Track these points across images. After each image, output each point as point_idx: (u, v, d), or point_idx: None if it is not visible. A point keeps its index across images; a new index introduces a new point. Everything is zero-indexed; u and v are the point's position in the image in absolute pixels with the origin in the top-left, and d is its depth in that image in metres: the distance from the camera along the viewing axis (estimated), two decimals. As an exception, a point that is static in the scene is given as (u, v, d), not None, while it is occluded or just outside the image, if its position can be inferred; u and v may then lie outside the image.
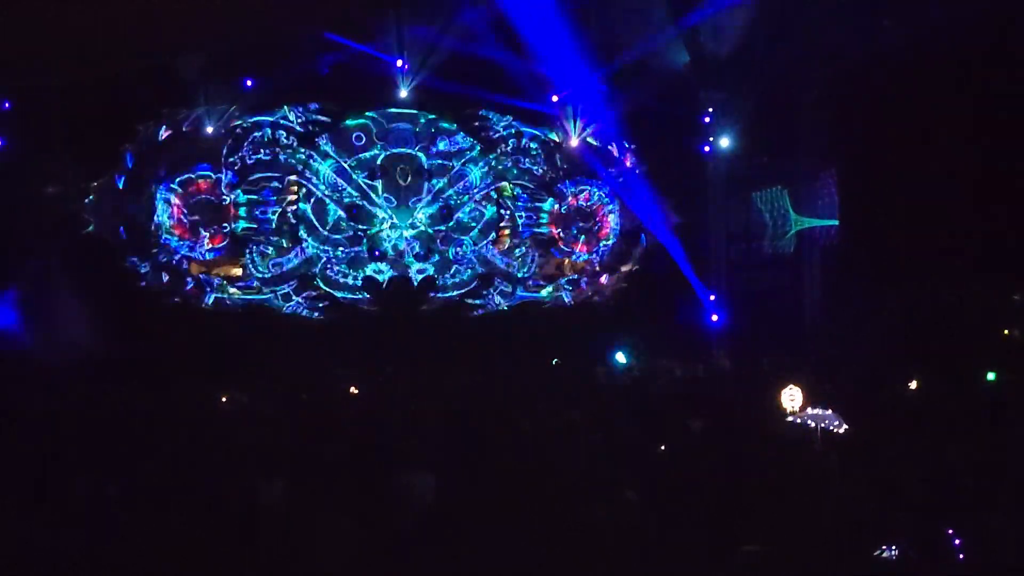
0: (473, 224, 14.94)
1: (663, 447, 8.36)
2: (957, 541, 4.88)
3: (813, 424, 7.09)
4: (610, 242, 15.49)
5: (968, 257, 11.95)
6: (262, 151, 14.10)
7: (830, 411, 7.18)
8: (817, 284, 14.84)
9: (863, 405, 9.37)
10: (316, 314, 14.34)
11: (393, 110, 14.52)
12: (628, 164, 15.48)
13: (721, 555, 5.41)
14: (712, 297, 15.42)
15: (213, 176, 13.93)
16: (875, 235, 13.23)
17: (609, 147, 15.44)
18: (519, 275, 15.15)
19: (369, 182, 14.45)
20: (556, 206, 15.25)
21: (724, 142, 15.30)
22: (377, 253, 14.48)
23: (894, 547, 4.90)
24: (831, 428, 7.01)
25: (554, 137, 15.23)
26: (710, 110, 15.32)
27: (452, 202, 14.79)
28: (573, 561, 5.47)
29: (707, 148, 15.52)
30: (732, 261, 15.61)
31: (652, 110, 14.34)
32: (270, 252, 14.16)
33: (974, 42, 11.30)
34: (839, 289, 14.12)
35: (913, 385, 10.57)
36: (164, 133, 13.73)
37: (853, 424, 8.43)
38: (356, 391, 11.38)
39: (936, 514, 5.55)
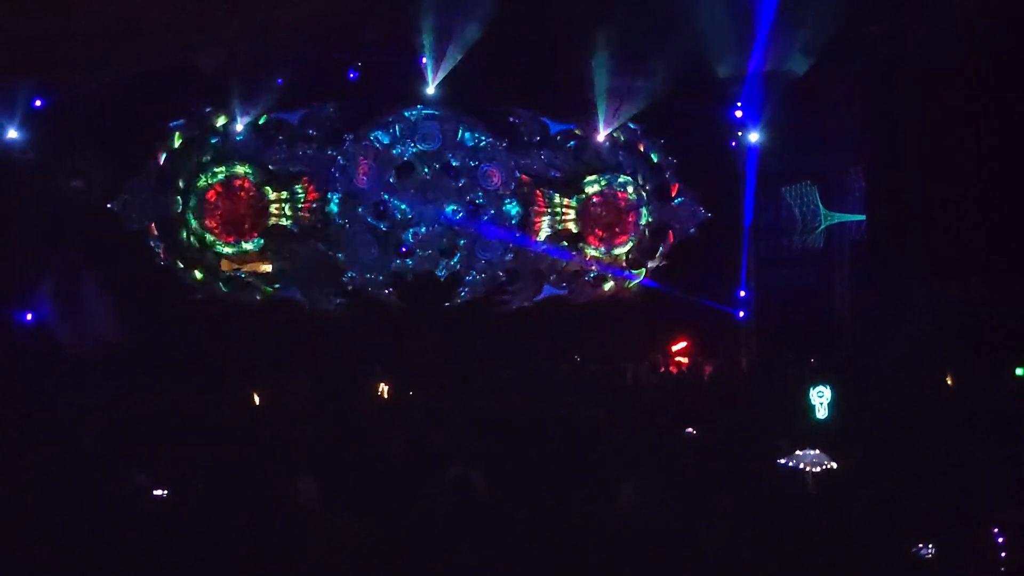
0: (499, 220, 14.92)
1: (689, 444, 8.32)
2: (1001, 539, 4.82)
3: (803, 466, 6.93)
4: (638, 238, 15.41)
5: (999, 252, 11.78)
6: (290, 149, 14.16)
7: (817, 451, 7.02)
8: (847, 280, 14.70)
9: (895, 401, 9.28)
10: (343, 310, 14.38)
11: (419, 107, 14.52)
12: (656, 159, 15.38)
13: (747, 550, 5.38)
14: (741, 293, 15.33)
15: (242, 173, 14.00)
16: (905, 230, 13.08)
17: (637, 142, 15.36)
18: (545, 271, 15.11)
19: (395, 179, 14.47)
20: (583, 202, 15.19)
21: (753, 137, 15.19)
22: (403, 250, 14.52)
23: (930, 545, 4.85)
24: (822, 468, 6.84)
25: (581, 132, 15.16)
26: (739, 104, 15.20)
27: (478, 198, 14.78)
28: (596, 557, 5.46)
29: (735, 143, 15.42)
30: (761, 257, 15.48)
31: (680, 104, 14.23)
32: (298, 249, 14.22)
33: (1008, 35, 11.13)
34: (869, 285, 13.98)
35: (946, 381, 10.46)
36: (194, 131, 13.84)
37: (885, 422, 8.35)
38: (383, 387, 11.42)
39: (970, 511, 5.48)
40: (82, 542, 5.46)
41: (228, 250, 13.95)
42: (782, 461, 6.94)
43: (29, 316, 12.81)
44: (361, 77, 13.94)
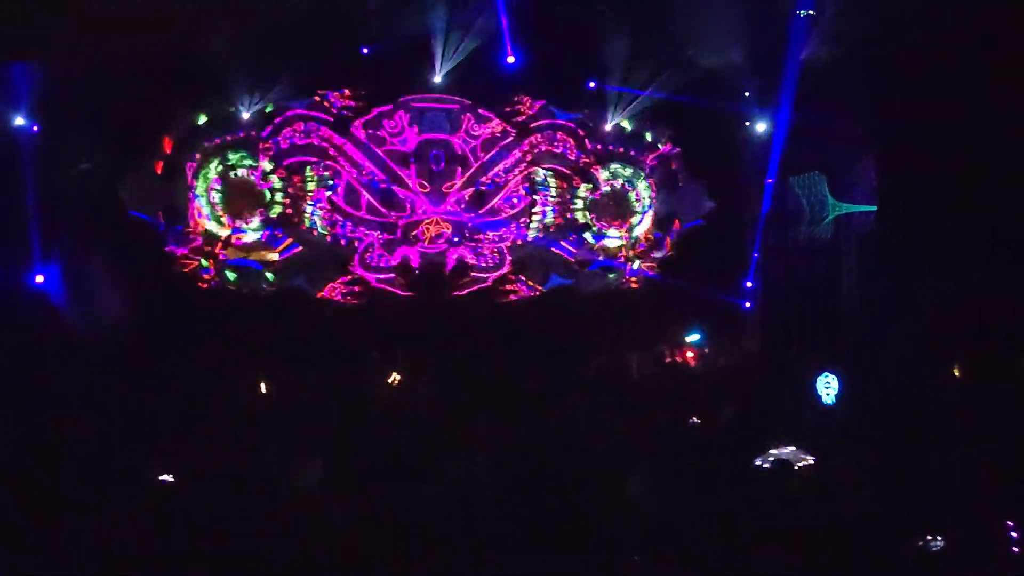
0: (506, 209, 14.89)
1: (693, 434, 8.32)
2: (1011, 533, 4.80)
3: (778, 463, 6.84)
4: (644, 228, 15.36)
5: (1006, 244, 11.72)
6: (297, 136, 14.14)
7: (792, 448, 6.94)
8: (854, 271, 14.63)
9: (901, 394, 9.26)
10: (349, 299, 14.38)
11: (427, 95, 14.48)
12: (663, 149, 15.32)
13: (752, 543, 5.38)
14: (748, 284, 15.27)
15: (249, 161, 13.99)
16: (913, 223, 13.02)
17: (644, 132, 15.29)
18: (552, 261, 15.08)
19: (402, 167, 14.45)
20: (590, 191, 15.15)
21: (761, 127, 15.10)
22: (410, 238, 14.50)
23: (939, 538, 4.84)
24: (799, 463, 6.76)
25: (589, 122, 15.10)
26: (747, 95, 15.11)
27: (485, 187, 14.75)
28: (600, 548, 5.46)
29: (743, 133, 15.34)
30: (768, 247, 15.40)
31: (688, 94, 14.15)
32: (305, 237, 14.21)
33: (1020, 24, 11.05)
34: (877, 276, 13.92)
35: (953, 373, 10.42)
36: (201, 118, 13.82)
37: (891, 415, 8.33)
38: (389, 376, 11.44)
39: (978, 504, 5.47)
40: (91, 525, 5.49)
41: (234, 237, 13.93)
42: (758, 462, 6.86)
43: (35, 301, 12.86)
44: (369, 65, 13.89)
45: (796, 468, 6.60)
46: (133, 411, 8.67)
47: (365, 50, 13.81)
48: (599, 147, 15.15)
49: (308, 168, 14.21)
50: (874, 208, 14.15)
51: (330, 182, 14.28)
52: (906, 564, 5.18)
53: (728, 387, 10.62)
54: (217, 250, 13.89)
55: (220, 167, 13.89)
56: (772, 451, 6.89)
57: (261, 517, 5.77)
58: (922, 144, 12.67)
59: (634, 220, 15.34)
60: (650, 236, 15.36)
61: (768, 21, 13.16)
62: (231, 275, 13.93)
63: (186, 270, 13.77)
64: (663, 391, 10.63)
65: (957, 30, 11.31)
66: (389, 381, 11.38)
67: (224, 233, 13.90)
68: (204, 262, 13.87)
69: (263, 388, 10.95)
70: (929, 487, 6.10)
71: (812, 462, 6.71)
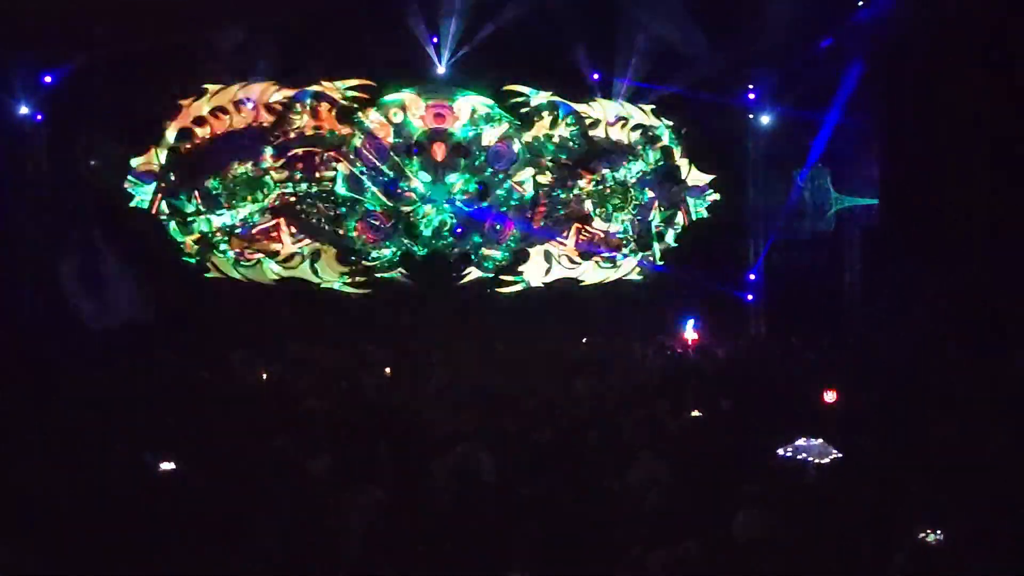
0: (509, 200, 14.87)
1: (695, 424, 8.31)
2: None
3: (809, 458, 6.74)
4: (647, 220, 15.34)
5: (1008, 235, 11.71)
6: (301, 127, 14.11)
7: (819, 440, 6.84)
8: (857, 263, 14.63)
9: (903, 385, 9.26)
10: (353, 289, 14.38)
11: (431, 86, 14.45)
12: (666, 141, 15.29)
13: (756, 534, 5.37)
14: (751, 276, 15.26)
15: (254, 151, 13.96)
16: (917, 213, 13.01)
17: (648, 123, 15.25)
18: (555, 252, 15.07)
19: (406, 158, 14.42)
20: (593, 183, 15.12)
21: (765, 119, 15.06)
22: (413, 229, 14.47)
23: (939, 531, 4.84)
24: (824, 458, 6.65)
25: (592, 113, 15.07)
26: (751, 87, 15.08)
27: (488, 178, 14.73)
28: (601, 537, 5.47)
29: (747, 126, 15.33)
30: (772, 239, 15.39)
31: (693, 87, 14.12)
32: (309, 227, 14.19)
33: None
34: (880, 268, 13.91)
35: (956, 365, 10.41)
36: (206, 108, 13.80)
37: (894, 406, 8.31)
38: (391, 367, 11.43)
39: (979, 496, 5.48)
40: (96, 515, 5.50)
41: (239, 228, 13.91)
42: (782, 452, 6.80)
43: (39, 291, 12.91)
44: (374, 55, 13.86)
45: (823, 463, 6.48)
46: (137, 401, 8.66)
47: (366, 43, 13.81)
48: (603, 138, 15.12)
49: (312, 159, 14.18)
50: (875, 201, 14.14)
51: (335, 172, 14.25)
52: (908, 558, 5.18)
53: (731, 378, 10.59)
54: (221, 239, 13.88)
55: (225, 157, 13.86)
56: (799, 443, 6.76)
57: (266, 507, 5.78)
58: (926, 136, 12.64)
59: (638, 212, 15.32)
60: (653, 228, 15.34)
61: (775, 16, 13.11)
62: (235, 265, 13.92)
63: (189, 259, 13.78)
64: (665, 381, 10.60)
65: (962, 17, 11.27)
66: (391, 371, 11.36)
67: (228, 223, 13.88)
68: (208, 252, 13.85)
69: (265, 377, 10.94)
70: (932, 479, 6.10)
71: (840, 457, 6.55)
